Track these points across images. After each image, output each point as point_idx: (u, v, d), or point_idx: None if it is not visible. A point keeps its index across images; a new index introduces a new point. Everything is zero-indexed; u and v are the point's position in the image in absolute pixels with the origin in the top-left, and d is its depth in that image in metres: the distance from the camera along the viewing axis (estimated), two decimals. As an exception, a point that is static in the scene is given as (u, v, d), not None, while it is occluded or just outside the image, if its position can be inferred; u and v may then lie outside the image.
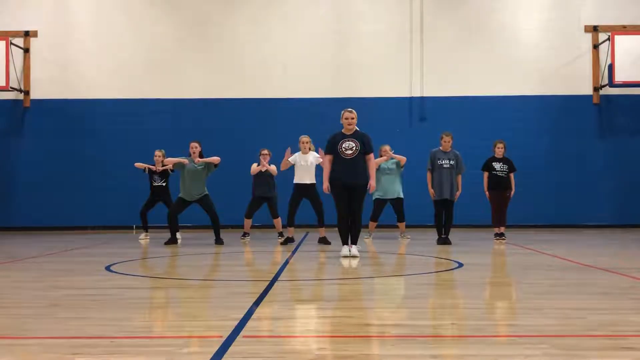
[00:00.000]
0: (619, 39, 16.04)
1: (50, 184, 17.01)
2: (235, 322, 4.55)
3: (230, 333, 4.22)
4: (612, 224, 16.60)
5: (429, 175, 11.77)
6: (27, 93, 17.32)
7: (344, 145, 9.13)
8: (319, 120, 15.96)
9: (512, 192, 12.24)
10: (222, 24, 17.41)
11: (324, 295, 6.21)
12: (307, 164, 11.69)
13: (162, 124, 16.86)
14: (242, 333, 4.24)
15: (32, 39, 17.39)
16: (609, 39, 16.33)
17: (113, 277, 7.37)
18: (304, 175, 11.69)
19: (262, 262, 9.49)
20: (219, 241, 11.83)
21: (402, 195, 12.79)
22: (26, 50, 17.34)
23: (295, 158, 11.77)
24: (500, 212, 12.26)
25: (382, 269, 8.25)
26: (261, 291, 6.02)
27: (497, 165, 12.15)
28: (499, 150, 12.23)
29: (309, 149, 11.83)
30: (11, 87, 16.68)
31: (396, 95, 17.10)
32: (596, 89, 17.02)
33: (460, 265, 8.29)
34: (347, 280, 7.09)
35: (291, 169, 11.87)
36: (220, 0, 17.45)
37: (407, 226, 13.19)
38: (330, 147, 9.29)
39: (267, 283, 6.59)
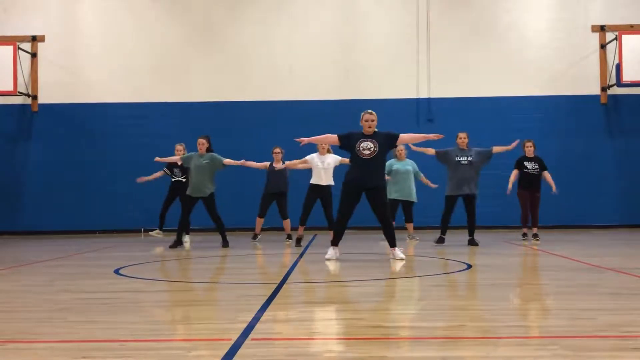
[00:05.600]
0: (626, 39, 15.98)
1: (59, 188, 17.07)
2: (244, 325, 4.54)
3: (239, 336, 4.22)
4: (621, 224, 16.56)
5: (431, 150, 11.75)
6: (34, 97, 17.38)
7: (362, 145, 9.04)
8: (327, 122, 15.96)
9: (554, 189, 12.41)
10: (229, 28, 17.44)
11: (333, 297, 6.20)
12: (323, 165, 11.67)
13: (170, 127, 16.89)
14: (251, 335, 4.24)
15: (39, 44, 17.46)
16: (616, 38, 16.28)
17: (122, 280, 7.38)
18: (321, 177, 11.69)
19: (270, 264, 9.49)
20: (225, 244, 11.82)
21: (415, 199, 12.86)
22: (34, 55, 17.40)
23: (313, 158, 11.76)
24: (533, 213, 12.34)
25: (391, 270, 8.24)
26: (270, 293, 6.01)
27: (529, 165, 12.23)
28: (529, 150, 12.31)
29: (327, 151, 11.84)
30: (19, 92, 16.75)
31: (403, 96, 17.09)
32: (604, 88, 16.97)
33: (469, 266, 8.27)
34: (356, 282, 7.08)
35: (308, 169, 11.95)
36: (227, 4, 17.48)
37: (415, 228, 13.22)
38: (346, 139, 9.19)
39: (275, 285, 6.59)
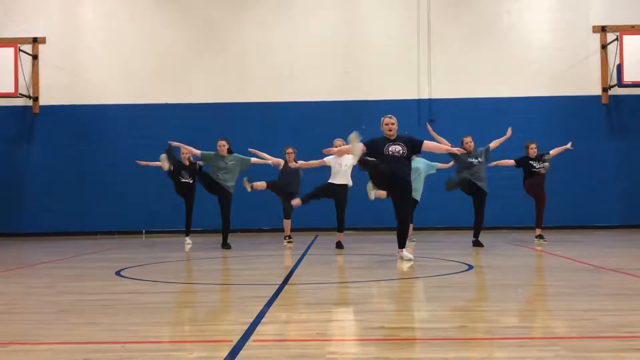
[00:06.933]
0: (627, 39, 15.98)
1: (60, 190, 17.06)
2: (245, 327, 4.54)
3: (241, 337, 4.22)
4: (622, 225, 16.54)
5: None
6: (36, 99, 17.39)
7: (390, 149, 9.03)
8: (328, 122, 15.98)
9: (569, 145, 12.81)
10: (230, 29, 17.43)
11: (334, 298, 6.20)
12: (341, 167, 11.56)
13: (171, 128, 16.85)
14: (252, 337, 4.24)
15: (40, 46, 17.46)
16: (617, 39, 16.27)
17: (123, 282, 7.38)
18: (336, 176, 11.59)
19: (271, 265, 9.49)
20: (225, 245, 11.80)
21: (417, 198, 12.78)
22: (35, 57, 17.41)
23: (330, 160, 11.71)
24: (538, 214, 12.35)
25: (392, 272, 8.23)
26: (271, 295, 6.01)
27: (535, 164, 12.27)
28: (533, 151, 12.35)
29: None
30: (20, 94, 16.76)
31: (404, 97, 17.08)
32: (605, 89, 16.96)
33: (470, 267, 8.27)
34: (357, 284, 7.08)
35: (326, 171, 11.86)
36: (228, 5, 17.49)
37: (415, 228, 13.20)
38: (372, 146, 9.15)
39: (277, 287, 6.59)
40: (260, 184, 12.14)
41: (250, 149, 12.29)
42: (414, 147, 9.19)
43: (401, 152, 9.02)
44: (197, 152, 12.24)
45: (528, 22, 17.34)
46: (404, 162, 9.07)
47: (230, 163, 11.85)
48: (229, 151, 11.98)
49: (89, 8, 17.67)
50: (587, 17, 17.13)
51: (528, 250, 11.00)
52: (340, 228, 11.62)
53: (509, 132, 11.91)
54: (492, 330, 4.45)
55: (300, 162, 12.14)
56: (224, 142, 11.98)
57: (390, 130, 9.16)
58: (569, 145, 12.82)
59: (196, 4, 17.53)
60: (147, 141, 16.70)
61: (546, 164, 12.19)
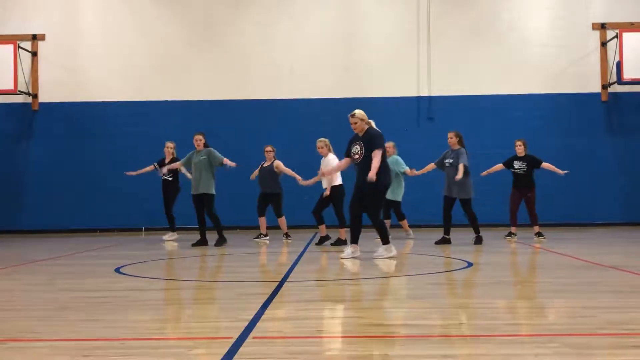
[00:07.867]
0: (627, 37, 15.96)
1: (59, 187, 17.05)
2: (245, 323, 4.55)
3: (240, 334, 4.22)
4: (622, 222, 16.54)
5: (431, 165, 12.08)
6: (35, 96, 17.37)
7: (352, 150, 9.09)
8: (327, 120, 15.97)
9: (561, 172, 12.54)
10: (229, 26, 17.41)
11: (334, 295, 6.20)
12: (322, 168, 11.59)
13: (170, 125, 16.85)
14: (252, 334, 4.24)
15: (39, 43, 17.44)
16: (617, 36, 16.26)
17: (122, 279, 7.39)
18: (323, 179, 11.68)
19: (271, 262, 9.49)
20: (218, 243, 11.71)
21: (396, 198, 12.57)
22: (34, 54, 17.39)
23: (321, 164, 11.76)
24: (530, 212, 12.33)
25: (391, 269, 8.23)
26: (270, 292, 6.02)
27: (516, 164, 12.26)
28: (518, 149, 12.33)
29: (328, 151, 11.77)
30: (19, 91, 16.73)
31: (404, 94, 17.06)
32: (605, 86, 16.95)
33: (470, 264, 8.27)
34: (357, 281, 7.08)
35: None
36: (228, 3, 17.47)
37: (411, 226, 13.19)
38: (347, 150, 9.26)
39: (276, 284, 6.59)
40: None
41: (230, 162, 12.30)
42: (369, 147, 8.91)
43: (359, 152, 8.96)
44: (178, 164, 12.38)
45: (528, 20, 17.32)
46: (365, 164, 8.85)
47: (202, 158, 11.71)
48: (205, 145, 11.91)
49: (89, 5, 17.65)
50: (587, 15, 17.11)
51: (528, 247, 11.00)
52: (340, 224, 11.63)
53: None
54: (492, 327, 4.45)
55: (277, 163, 12.40)
56: (199, 137, 11.88)
57: (355, 130, 9.12)
58: (561, 172, 12.58)
59: (196, 1, 17.51)
60: (147, 138, 16.71)
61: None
